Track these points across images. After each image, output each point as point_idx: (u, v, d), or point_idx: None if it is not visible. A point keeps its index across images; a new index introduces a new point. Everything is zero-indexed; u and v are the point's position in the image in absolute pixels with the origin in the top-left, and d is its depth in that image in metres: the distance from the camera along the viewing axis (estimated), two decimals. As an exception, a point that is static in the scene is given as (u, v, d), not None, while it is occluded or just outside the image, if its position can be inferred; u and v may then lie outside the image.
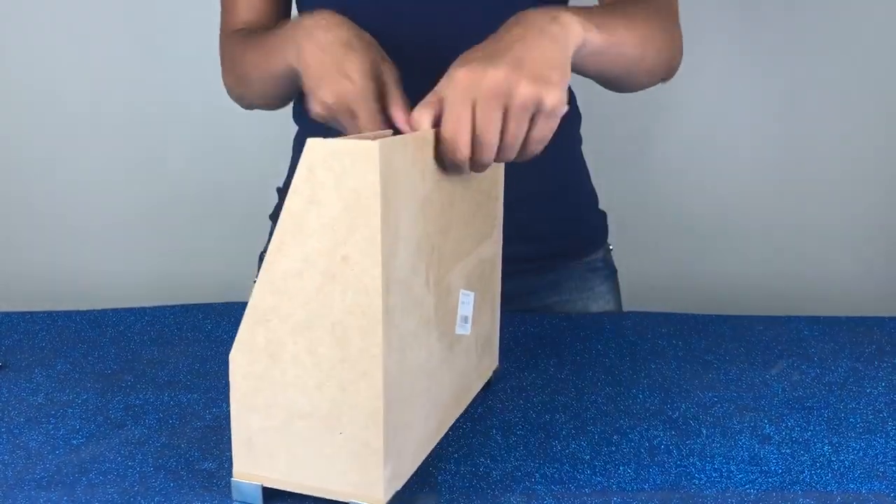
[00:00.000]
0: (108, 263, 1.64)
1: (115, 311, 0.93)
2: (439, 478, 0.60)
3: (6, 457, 0.63)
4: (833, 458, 0.63)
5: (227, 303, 0.95)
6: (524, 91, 0.58)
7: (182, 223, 1.62)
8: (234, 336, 0.57)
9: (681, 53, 0.89)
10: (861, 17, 1.52)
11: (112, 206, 1.63)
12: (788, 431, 0.68)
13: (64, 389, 0.75)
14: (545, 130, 0.61)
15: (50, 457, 0.63)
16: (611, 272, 1.07)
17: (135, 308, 0.94)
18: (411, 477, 0.59)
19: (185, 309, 0.94)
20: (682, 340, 0.87)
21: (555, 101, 0.60)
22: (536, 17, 0.64)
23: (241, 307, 0.55)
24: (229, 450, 0.64)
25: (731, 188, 1.61)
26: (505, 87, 0.58)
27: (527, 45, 0.61)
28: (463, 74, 0.58)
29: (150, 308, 0.94)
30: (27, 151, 1.60)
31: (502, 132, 0.59)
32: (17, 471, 0.61)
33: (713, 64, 1.56)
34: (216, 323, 0.90)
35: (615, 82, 0.84)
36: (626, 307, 1.08)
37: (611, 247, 1.08)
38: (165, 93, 1.58)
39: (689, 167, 1.61)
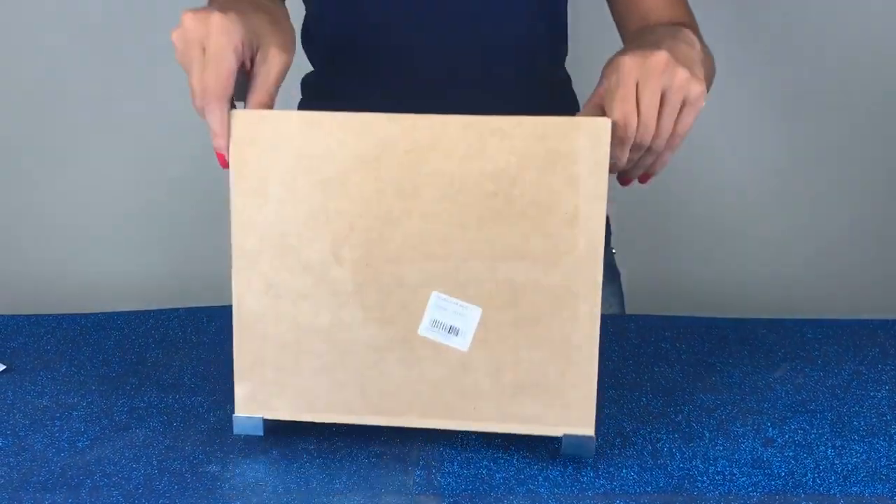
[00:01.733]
0: (113, 266, 1.64)
1: (119, 313, 0.93)
2: (442, 480, 0.60)
3: (11, 459, 0.63)
4: (836, 461, 0.63)
5: (231, 305, 0.95)
6: (681, 76, 0.62)
7: (186, 225, 1.62)
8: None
9: None
10: (862, 18, 1.52)
11: (116, 209, 1.63)
12: (792, 434, 0.68)
13: (69, 392, 0.75)
14: (688, 121, 0.64)
15: (55, 459, 0.63)
16: (614, 275, 1.07)
17: (139, 311, 0.94)
18: (417, 476, 0.59)
19: (190, 312, 0.94)
20: (685, 343, 0.87)
21: (700, 92, 0.63)
22: (665, 31, 0.69)
23: (244, 310, 0.56)
24: (233, 452, 0.64)
25: (734, 190, 1.61)
26: (666, 69, 0.61)
27: (670, 46, 0.64)
28: (628, 59, 0.62)
29: (154, 311, 0.94)
30: (30, 153, 1.61)
31: (659, 115, 0.62)
32: (22, 473, 0.61)
33: (716, 65, 1.56)
34: (221, 325, 0.90)
35: None
36: (629, 310, 1.08)
37: (613, 250, 1.08)
38: (168, 92, 1.58)
39: (692, 170, 1.60)
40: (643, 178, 0.68)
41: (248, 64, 0.62)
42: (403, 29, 0.90)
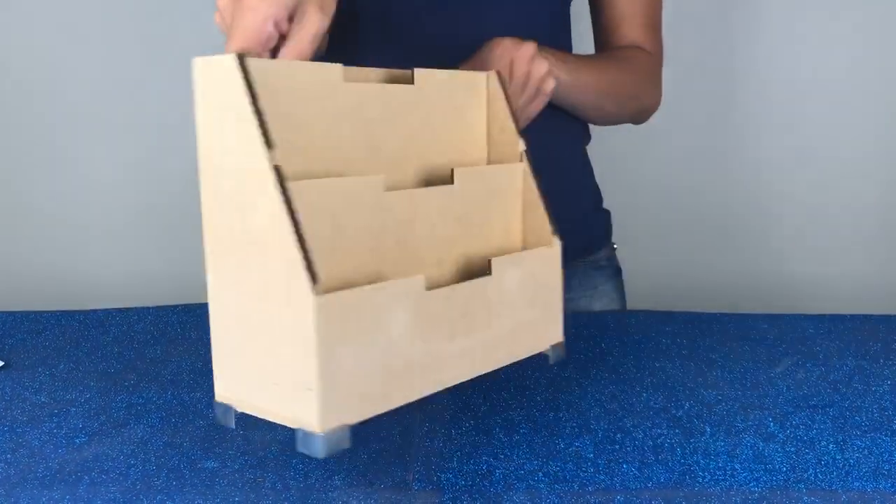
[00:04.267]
0: (112, 264, 1.64)
1: (118, 311, 0.93)
2: (441, 476, 0.60)
3: (9, 455, 0.63)
4: (838, 457, 0.63)
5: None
6: (543, 67, 0.78)
7: (185, 223, 1.62)
8: None
9: (653, 106, 1.02)
10: (863, 14, 1.51)
11: (115, 207, 1.63)
12: (793, 430, 0.67)
13: (67, 388, 0.75)
14: (535, 110, 0.80)
15: (52, 455, 0.63)
16: (615, 271, 1.07)
17: (138, 308, 0.94)
18: (416, 472, 0.59)
19: (189, 308, 0.94)
20: (686, 339, 0.87)
21: (551, 88, 0.79)
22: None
23: (242, 305, 0.55)
24: (232, 448, 0.64)
25: (735, 186, 1.60)
26: (534, 57, 0.77)
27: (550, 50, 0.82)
28: (508, 40, 0.78)
29: (153, 308, 0.94)
30: (30, 151, 1.61)
31: (521, 92, 0.78)
32: (20, 469, 0.61)
33: (716, 61, 1.56)
34: (219, 322, 0.90)
35: (579, 113, 0.97)
36: (630, 306, 1.08)
37: (615, 246, 1.08)
38: (168, 92, 1.58)
39: (694, 166, 1.60)
40: None
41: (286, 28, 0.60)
42: (411, 10, 0.90)
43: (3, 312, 0.92)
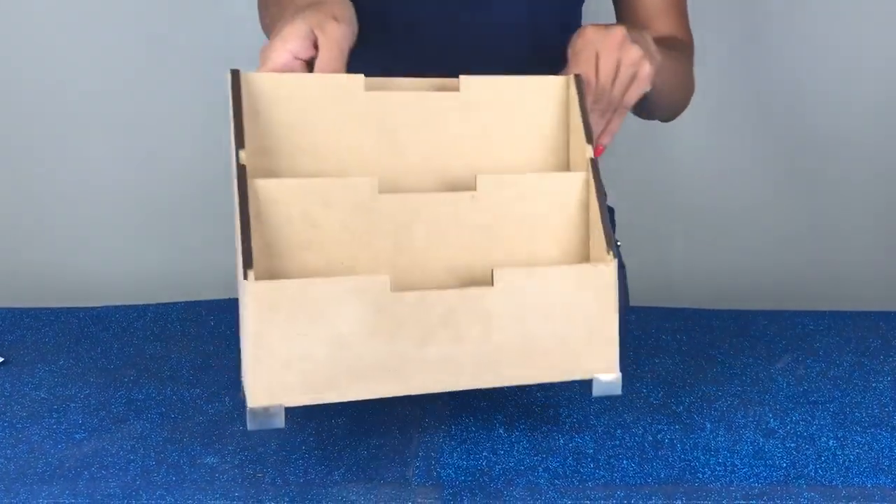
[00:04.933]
0: (112, 261, 1.64)
1: (118, 308, 0.93)
2: (442, 472, 0.60)
3: (8, 451, 0.63)
4: (838, 453, 0.63)
5: (229, 299, 0.94)
6: (634, 52, 0.70)
7: (185, 220, 1.62)
8: (237, 332, 0.58)
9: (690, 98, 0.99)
10: (864, 13, 1.51)
11: (116, 204, 1.63)
12: (793, 425, 0.67)
13: (66, 384, 0.75)
14: (635, 95, 0.72)
15: (52, 451, 0.63)
16: (619, 268, 1.07)
17: (138, 305, 0.94)
18: (416, 468, 0.59)
19: (188, 305, 0.94)
20: (686, 335, 0.87)
21: (649, 72, 0.71)
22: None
23: (242, 300, 0.55)
24: (231, 444, 0.64)
25: (736, 183, 1.60)
26: (622, 43, 0.70)
27: (634, 35, 0.73)
28: (591, 30, 0.71)
29: (153, 305, 0.94)
30: (31, 149, 1.61)
31: (612, 81, 0.71)
32: (20, 464, 0.61)
33: (717, 60, 1.56)
34: (219, 319, 0.90)
35: (652, 103, 0.86)
36: (631, 302, 1.07)
37: (618, 242, 1.08)
38: (169, 92, 1.58)
39: (695, 163, 1.60)
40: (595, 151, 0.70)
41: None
42: (409, 7, 0.90)
43: (3, 309, 0.93)
